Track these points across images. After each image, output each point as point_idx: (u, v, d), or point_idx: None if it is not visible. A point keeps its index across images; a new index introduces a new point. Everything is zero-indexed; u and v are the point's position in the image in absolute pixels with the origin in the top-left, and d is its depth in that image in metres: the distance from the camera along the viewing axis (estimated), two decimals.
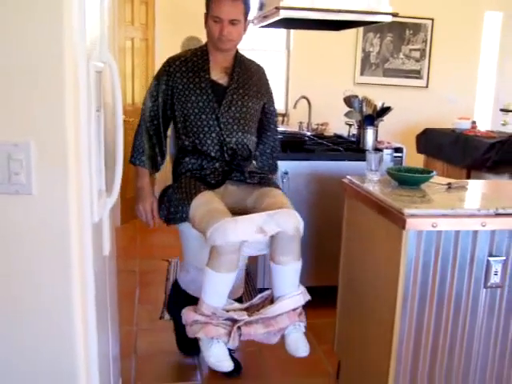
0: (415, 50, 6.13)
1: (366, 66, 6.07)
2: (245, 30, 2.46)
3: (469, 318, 2.05)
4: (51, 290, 1.27)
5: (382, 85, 5.98)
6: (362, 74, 6.05)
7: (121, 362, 2.29)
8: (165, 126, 2.56)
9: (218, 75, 2.49)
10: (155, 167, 2.58)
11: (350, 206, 2.48)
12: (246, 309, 2.30)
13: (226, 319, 2.21)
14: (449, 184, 2.33)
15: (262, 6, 3.48)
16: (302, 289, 2.33)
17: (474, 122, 5.34)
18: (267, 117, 2.69)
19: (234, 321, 2.21)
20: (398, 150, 3.46)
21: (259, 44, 5.88)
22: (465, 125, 5.24)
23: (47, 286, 1.26)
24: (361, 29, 5.77)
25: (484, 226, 1.94)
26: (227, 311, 2.23)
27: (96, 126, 1.42)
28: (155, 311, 3.27)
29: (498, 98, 6.26)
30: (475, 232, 1.96)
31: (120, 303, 2.27)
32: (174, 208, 2.39)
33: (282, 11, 2.95)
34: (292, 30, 5.71)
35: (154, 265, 4.08)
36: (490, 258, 1.99)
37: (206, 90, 2.45)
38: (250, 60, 2.63)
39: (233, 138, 2.46)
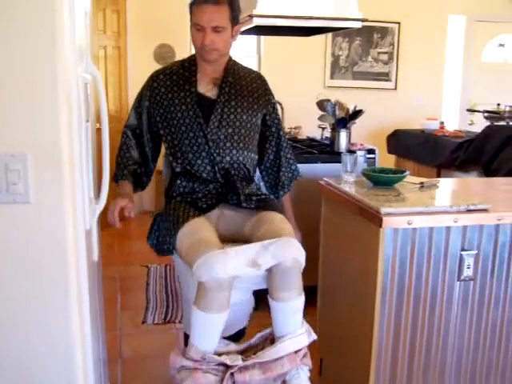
0: (383, 53, 6.28)
1: (336, 69, 6.19)
2: (233, 36, 2.21)
3: (444, 310, 2.15)
4: (49, 296, 1.31)
5: (351, 88, 6.11)
6: (331, 77, 6.17)
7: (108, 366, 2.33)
8: (152, 143, 2.37)
9: (205, 87, 2.26)
10: (140, 186, 2.39)
11: (328, 207, 2.57)
12: (243, 350, 2.05)
13: (217, 364, 1.94)
14: (421, 183, 2.43)
15: None
16: (307, 327, 2.06)
17: (442, 123, 5.49)
18: (269, 129, 2.43)
19: (227, 366, 1.93)
20: (370, 151, 3.56)
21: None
22: (433, 125, 5.39)
23: (45, 292, 1.31)
24: (330, 33, 5.89)
25: (456, 222, 2.04)
26: (220, 354, 1.97)
27: (86, 136, 1.47)
28: (137, 316, 3.31)
29: (464, 99, 6.45)
30: (448, 228, 2.06)
31: (104, 309, 2.30)
32: (161, 238, 2.21)
33: (255, 19, 3.03)
34: (262, 36, 5.81)
35: (133, 271, 4.11)
36: (463, 253, 2.09)
37: (191, 104, 2.21)
38: (246, 68, 2.40)
39: (226, 157, 2.23)
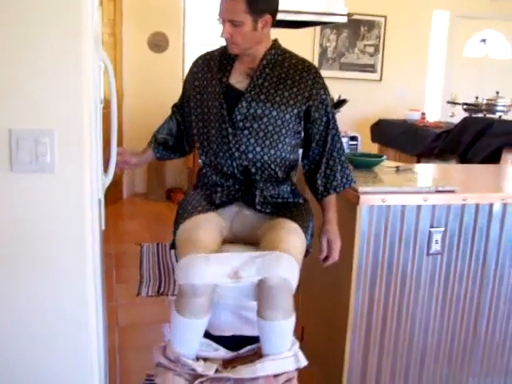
0: (369, 45, 6.50)
1: (324, 60, 6.41)
2: (257, 30, 1.99)
3: (414, 282, 2.38)
4: (68, 260, 1.51)
5: (338, 78, 6.32)
6: (319, 67, 6.37)
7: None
8: (187, 124, 2.30)
9: (237, 78, 2.09)
10: (166, 155, 2.36)
11: None
12: (229, 360, 1.93)
13: (190, 369, 1.85)
14: (397, 167, 2.66)
15: None
16: (296, 351, 1.88)
17: (423, 114, 5.74)
18: (314, 126, 2.15)
19: (198, 374, 1.84)
20: (353, 138, 3.80)
21: (220, 42, 6.11)
22: (415, 116, 5.64)
23: (64, 254, 1.51)
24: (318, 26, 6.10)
25: (426, 201, 2.28)
26: (205, 359, 1.90)
27: (99, 116, 1.68)
28: (132, 289, 3.52)
29: (446, 91, 6.69)
30: (418, 206, 2.29)
31: None
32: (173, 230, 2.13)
33: None
34: None
35: (127, 248, 4.32)
36: (432, 229, 2.32)
37: (219, 94, 2.07)
38: (296, 58, 2.15)
39: (248, 154, 2.05)
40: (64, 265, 1.52)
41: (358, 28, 6.37)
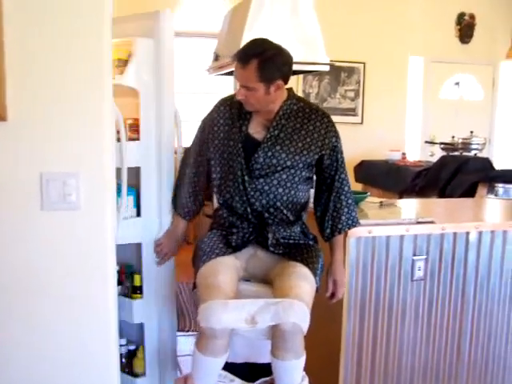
0: (350, 90, 6.82)
1: None
2: (270, 94, 2.13)
3: (400, 307, 2.57)
4: (95, 282, 1.70)
5: None
6: None
7: None
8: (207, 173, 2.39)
9: (255, 129, 2.22)
10: (188, 215, 2.45)
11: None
12: None
13: None
14: (381, 202, 2.89)
15: (216, 57, 4.00)
16: None
17: (403, 154, 6.01)
18: (325, 172, 2.29)
19: None
20: None
21: (207, 87, 6.40)
22: (396, 156, 5.90)
23: (92, 280, 1.69)
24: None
25: (408, 231, 2.49)
26: None
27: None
28: None
29: (425, 132, 7.01)
30: (401, 236, 2.50)
31: None
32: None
33: None
34: None
35: None
36: (414, 257, 2.53)
37: (237, 143, 2.20)
38: (311, 107, 2.28)
39: (262, 200, 2.19)
40: (87, 299, 1.70)
41: (338, 74, 6.69)
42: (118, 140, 2.20)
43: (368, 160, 6.03)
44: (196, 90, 6.51)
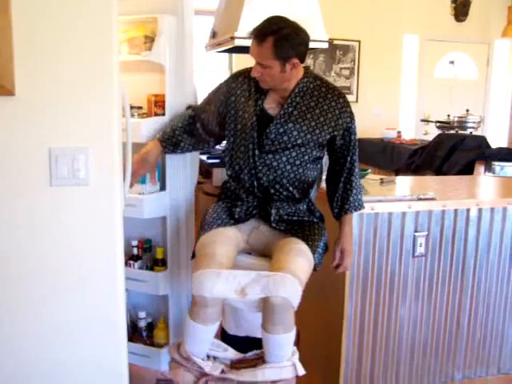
0: (345, 68, 6.80)
1: None
2: (285, 71, 2.11)
3: (402, 283, 2.60)
4: (103, 260, 1.70)
5: None
6: None
7: None
8: (201, 129, 2.38)
9: (270, 104, 2.23)
10: (166, 143, 2.38)
11: None
12: (237, 361, 2.11)
13: (199, 367, 2.05)
14: (381, 179, 2.90)
15: (214, 35, 3.97)
16: (294, 361, 2.03)
17: (399, 132, 6.03)
18: (337, 153, 2.29)
19: (205, 373, 2.04)
20: None
21: (203, 65, 6.36)
22: (391, 134, 5.92)
23: (100, 256, 1.69)
24: None
25: (410, 208, 2.51)
26: (214, 358, 2.11)
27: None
28: None
29: (419, 110, 7.02)
30: (403, 213, 2.52)
31: None
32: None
33: (236, 40, 3.44)
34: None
35: None
36: (416, 234, 2.55)
37: (251, 116, 2.20)
38: (328, 86, 2.26)
39: (269, 176, 2.21)
40: (96, 274, 1.70)
41: (333, 52, 6.67)
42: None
43: (363, 138, 6.03)
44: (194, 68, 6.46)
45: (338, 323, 2.57)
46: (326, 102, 2.21)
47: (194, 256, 2.23)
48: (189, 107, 2.45)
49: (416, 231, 2.55)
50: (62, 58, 1.56)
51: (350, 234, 2.33)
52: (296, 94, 2.20)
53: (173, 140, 2.37)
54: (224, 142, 2.40)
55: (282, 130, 2.18)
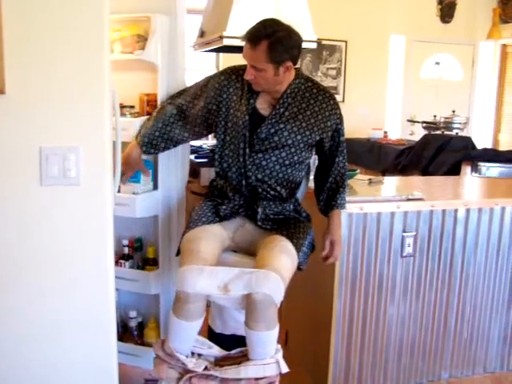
0: (332, 68, 6.82)
1: None
2: (279, 75, 2.12)
3: (390, 283, 2.61)
4: (93, 259, 1.69)
5: None
6: None
7: None
8: (182, 127, 2.34)
9: (262, 105, 2.24)
10: (146, 146, 2.33)
11: None
12: (221, 358, 2.10)
13: (182, 364, 2.03)
14: (369, 179, 2.91)
15: (202, 34, 3.96)
16: (278, 358, 2.02)
17: (385, 132, 6.06)
18: (325, 154, 2.33)
19: (189, 369, 2.03)
20: None
21: (190, 64, 6.33)
22: (378, 134, 5.95)
23: (91, 256, 1.68)
24: None
25: (398, 208, 2.52)
26: (199, 355, 2.09)
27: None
28: None
29: (405, 111, 7.06)
30: (392, 213, 2.53)
31: None
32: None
33: (225, 40, 3.43)
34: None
35: None
36: (404, 234, 2.57)
37: (244, 115, 2.21)
38: (319, 87, 2.27)
39: (258, 175, 2.22)
40: (86, 274, 1.69)
41: (320, 52, 6.68)
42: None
43: (350, 138, 6.02)
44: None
45: (326, 323, 2.58)
46: (316, 103, 2.23)
47: (178, 253, 2.23)
48: (169, 102, 2.37)
49: (404, 231, 2.57)
50: (54, 57, 1.55)
51: (338, 226, 2.33)
52: (288, 95, 2.21)
53: (153, 143, 2.32)
54: (209, 141, 2.40)
55: (273, 131, 2.19)
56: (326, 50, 6.72)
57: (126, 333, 2.68)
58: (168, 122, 2.33)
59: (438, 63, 7.23)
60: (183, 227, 2.52)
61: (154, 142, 2.32)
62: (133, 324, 2.64)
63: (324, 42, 6.54)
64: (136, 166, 2.35)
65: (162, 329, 2.62)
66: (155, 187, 2.52)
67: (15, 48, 1.51)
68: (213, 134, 2.42)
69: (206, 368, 2.03)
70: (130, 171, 2.34)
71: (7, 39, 1.49)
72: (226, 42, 3.45)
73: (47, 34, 1.53)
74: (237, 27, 3.43)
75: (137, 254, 2.61)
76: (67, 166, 1.60)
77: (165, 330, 2.61)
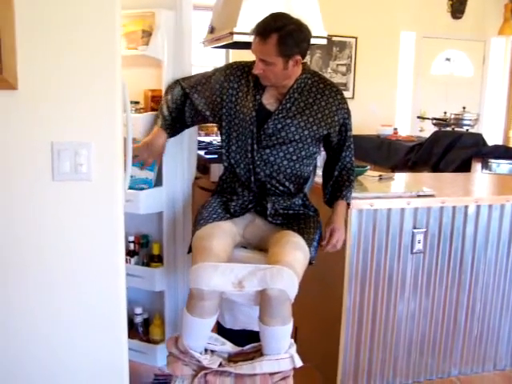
0: (342, 65, 6.80)
1: None
2: (288, 68, 2.13)
3: (400, 280, 2.61)
4: (104, 255, 1.69)
5: None
6: None
7: None
8: (187, 113, 2.39)
9: (268, 100, 2.24)
10: (168, 128, 2.38)
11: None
12: (234, 354, 2.11)
13: (197, 361, 2.04)
14: (380, 176, 2.91)
15: (212, 30, 3.95)
16: (292, 353, 2.04)
17: (395, 129, 6.03)
18: (333, 149, 2.35)
19: (204, 366, 2.04)
20: None
21: (199, 60, 6.33)
22: (388, 131, 5.92)
23: (102, 252, 1.69)
24: None
25: (409, 204, 2.52)
26: (212, 351, 2.10)
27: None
28: None
29: (415, 107, 7.02)
30: (402, 210, 2.52)
31: None
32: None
33: (235, 36, 3.43)
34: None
35: None
36: (414, 230, 2.56)
37: (251, 111, 2.21)
38: (325, 82, 2.28)
39: (266, 171, 2.23)
40: (97, 270, 1.70)
41: (330, 49, 6.66)
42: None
43: (359, 135, 6.02)
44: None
45: (336, 319, 2.58)
46: (323, 98, 2.24)
47: (190, 250, 2.24)
48: (176, 82, 2.41)
49: (415, 228, 2.56)
50: (65, 53, 1.56)
51: (340, 215, 2.33)
52: (294, 90, 2.22)
53: (173, 123, 2.37)
54: (219, 137, 2.41)
55: (279, 126, 2.20)
56: (336, 47, 6.69)
57: (131, 329, 2.68)
58: (180, 101, 2.37)
59: (448, 59, 7.18)
60: (190, 224, 2.53)
61: (174, 122, 2.36)
62: (138, 320, 2.65)
63: (334, 39, 6.52)
64: (157, 153, 2.36)
65: (167, 326, 2.63)
66: (160, 184, 2.52)
67: (27, 44, 1.51)
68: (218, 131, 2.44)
69: (220, 364, 2.05)
70: (151, 158, 2.35)
71: (19, 35, 1.50)
72: (236, 38, 3.44)
73: (59, 30, 1.54)
74: (247, 23, 3.42)
75: (142, 250, 2.62)
76: (79, 161, 1.61)
77: (170, 328, 2.62)
